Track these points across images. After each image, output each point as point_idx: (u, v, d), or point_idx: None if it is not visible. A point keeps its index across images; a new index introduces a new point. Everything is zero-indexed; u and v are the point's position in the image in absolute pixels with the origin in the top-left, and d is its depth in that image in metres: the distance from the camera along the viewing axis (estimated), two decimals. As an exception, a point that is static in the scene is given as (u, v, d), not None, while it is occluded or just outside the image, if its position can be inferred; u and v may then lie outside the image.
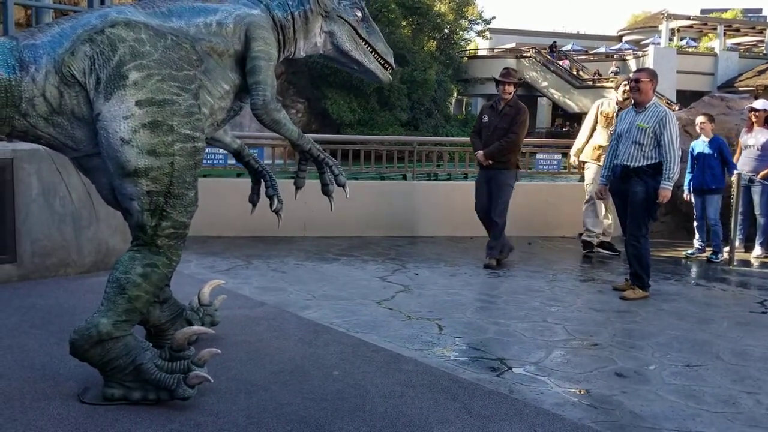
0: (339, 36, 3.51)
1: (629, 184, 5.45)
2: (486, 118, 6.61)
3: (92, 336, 2.76)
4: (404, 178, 9.47)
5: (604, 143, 7.11)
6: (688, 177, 7.45)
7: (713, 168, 7.22)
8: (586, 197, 7.34)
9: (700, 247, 7.43)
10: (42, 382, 3.08)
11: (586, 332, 4.54)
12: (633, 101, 5.62)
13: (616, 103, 7.20)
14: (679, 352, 4.16)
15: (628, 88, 7.12)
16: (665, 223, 8.44)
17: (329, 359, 3.58)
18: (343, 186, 3.38)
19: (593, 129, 7.31)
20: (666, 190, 5.32)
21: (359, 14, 3.55)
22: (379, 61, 3.67)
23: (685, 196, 7.52)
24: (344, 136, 16.74)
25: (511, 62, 36.83)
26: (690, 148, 7.47)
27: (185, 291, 4.14)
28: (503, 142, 6.39)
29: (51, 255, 5.04)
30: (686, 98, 25.22)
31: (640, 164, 5.40)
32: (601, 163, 7.14)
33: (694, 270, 6.90)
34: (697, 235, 7.48)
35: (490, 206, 6.51)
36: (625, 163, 5.48)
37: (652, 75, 5.59)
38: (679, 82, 34.42)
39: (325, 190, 3.40)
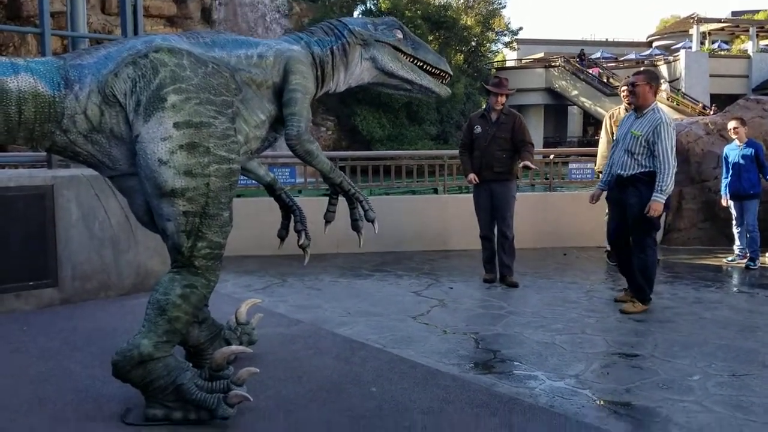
0: (381, 59, 3.53)
1: (625, 195, 5.19)
2: (479, 129, 6.31)
3: (134, 357, 2.80)
4: (435, 191, 9.46)
5: None
6: (724, 182, 7.31)
7: (750, 172, 7.07)
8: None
9: (740, 253, 7.27)
10: (85, 404, 3.13)
11: (626, 343, 4.46)
12: (633, 106, 5.39)
13: (626, 109, 7.08)
14: (723, 362, 4.06)
15: (625, 92, 7.03)
16: (704, 230, 8.28)
17: (366, 376, 3.58)
18: (373, 221, 3.38)
19: (611, 140, 7.16)
20: (657, 203, 4.97)
21: (399, 35, 3.56)
22: (434, 72, 3.66)
23: (723, 202, 7.38)
24: (375, 152, 16.84)
25: (539, 72, 36.74)
26: (724, 154, 7.35)
27: (223, 310, 4.18)
28: (531, 150, 6.28)
29: (91, 278, 5.14)
30: (721, 102, 24.83)
31: (634, 172, 5.12)
32: None
33: (735, 277, 6.74)
34: (737, 242, 7.32)
35: (494, 223, 6.34)
36: (618, 172, 5.24)
37: (650, 77, 5.30)
38: (713, 86, 33.91)
39: (355, 226, 3.41)
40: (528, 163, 6.14)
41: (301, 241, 3.59)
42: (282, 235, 3.75)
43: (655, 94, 5.28)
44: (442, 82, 3.74)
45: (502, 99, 6.32)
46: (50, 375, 3.53)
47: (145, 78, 2.84)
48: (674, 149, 5.08)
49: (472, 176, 6.28)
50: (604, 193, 5.62)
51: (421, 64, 3.62)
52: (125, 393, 3.06)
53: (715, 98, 32.32)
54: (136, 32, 5.58)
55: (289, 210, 3.76)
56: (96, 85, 2.82)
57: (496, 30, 37.20)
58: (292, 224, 3.74)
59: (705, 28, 39.08)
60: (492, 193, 6.28)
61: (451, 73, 3.78)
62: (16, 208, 4.79)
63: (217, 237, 2.93)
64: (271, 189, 3.77)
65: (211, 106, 2.91)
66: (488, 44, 37.50)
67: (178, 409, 2.89)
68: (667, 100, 30.33)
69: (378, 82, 3.63)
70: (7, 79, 2.65)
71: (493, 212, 6.32)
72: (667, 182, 4.98)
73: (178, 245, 2.88)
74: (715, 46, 40.62)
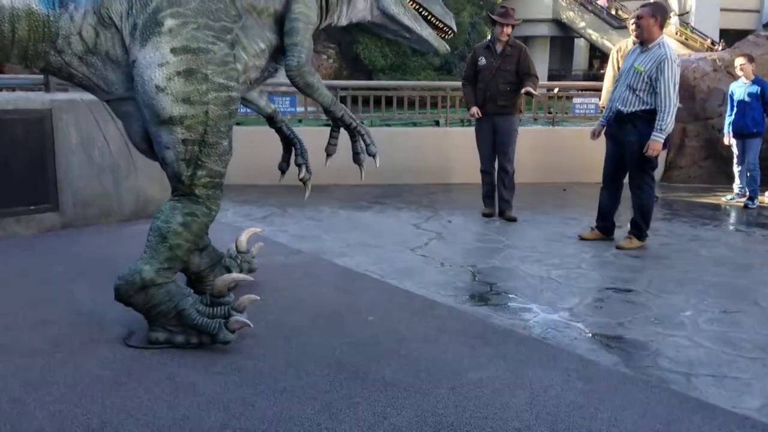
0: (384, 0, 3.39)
1: (624, 132, 5.12)
2: (483, 61, 6.19)
3: (136, 282, 2.84)
4: (437, 124, 9.36)
5: None
6: (727, 120, 7.25)
7: (754, 110, 7.00)
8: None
9: (739, 192, 7.27)
10: (89, 327, 3.20)
11: (621, 279, 4.52)
12: (639, 40, 5.25)
13: (633, 43, 6.92)
14: (716, 298, 4.13)
15: (633, 25, 6.81)
16: (705, 168, 8.26)
17: (364, 305, 3.64)
18: (374, 156, 3.35)
19: (617, 74, 7.01)
20: (656, 143, 4.91)
21: None
22: (437, 25, 3.53)
23: (725, 140, 7.34)
24: (376, 82, 16.56)
25: (547, 2, 35.77)
26: (729, 91, 7.26)
27: (223, 239, 4.22)
28: (535, 82, 6.19)
29: (92, 204, 5.16)
30: (731, 37, 24.30)
31: (635, 109, 5.02)
32: None
33: (733, 215, 6.77)
34: (737, 180, 7.32)
35: (495, 157, 6.30)
36: (619, 107, 5.14)
37: (656, 10, 5.10)
38: (723, 21, 33.09)
39: (356, 159, 3.38)
40: (530, 89, 6.06)
41: (301, 175, 3.59)
42: (283, 167, 3.75)
43: (662, 27, 5.13)
44: (443, 37, 3.62)
45: (508, 30, 6.18)
46: (53, 298, 3.60)
47: (141, 1, 2.77)
48: (677, 87, 4.98)
49: (475, 109, 6.21)
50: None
51: (426, 14, 3.48)
52: (128, 317, 3.12)
53: (724, 33, 31.62)
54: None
55: (289, 142, 3.74)
56: (91, 6, 2.76)
57: (503, -44, 36.05)
58: (292, 157, 3.73)
59: (719, -41, 37.83)
60: (494, 126, 6.23)
61: (455, 29, 3.64)
62: (15, 131, 4.77)
63: (217, 166, 2.92)
64: (271, 121, 3.74)
65: (210, 31, 2.84)
66: (495, -29, 36.41)
67: (180, 333, 2.96)
68: (676, 34, 29.68)
69: (378, 23, 3.49)
70: None
71: (495, 146, 6.28)
72: (667, 121, 4.90)
73: (177, 174, 2.87)
74: (728, -22, 39.42)
